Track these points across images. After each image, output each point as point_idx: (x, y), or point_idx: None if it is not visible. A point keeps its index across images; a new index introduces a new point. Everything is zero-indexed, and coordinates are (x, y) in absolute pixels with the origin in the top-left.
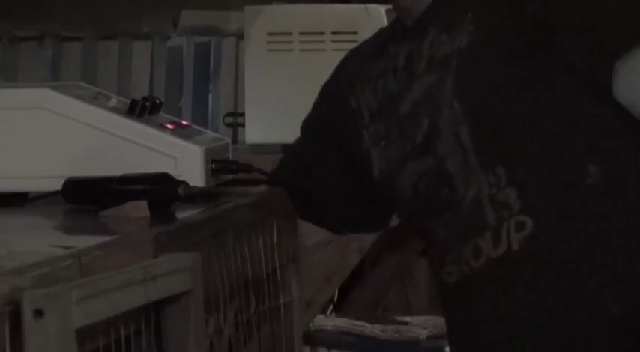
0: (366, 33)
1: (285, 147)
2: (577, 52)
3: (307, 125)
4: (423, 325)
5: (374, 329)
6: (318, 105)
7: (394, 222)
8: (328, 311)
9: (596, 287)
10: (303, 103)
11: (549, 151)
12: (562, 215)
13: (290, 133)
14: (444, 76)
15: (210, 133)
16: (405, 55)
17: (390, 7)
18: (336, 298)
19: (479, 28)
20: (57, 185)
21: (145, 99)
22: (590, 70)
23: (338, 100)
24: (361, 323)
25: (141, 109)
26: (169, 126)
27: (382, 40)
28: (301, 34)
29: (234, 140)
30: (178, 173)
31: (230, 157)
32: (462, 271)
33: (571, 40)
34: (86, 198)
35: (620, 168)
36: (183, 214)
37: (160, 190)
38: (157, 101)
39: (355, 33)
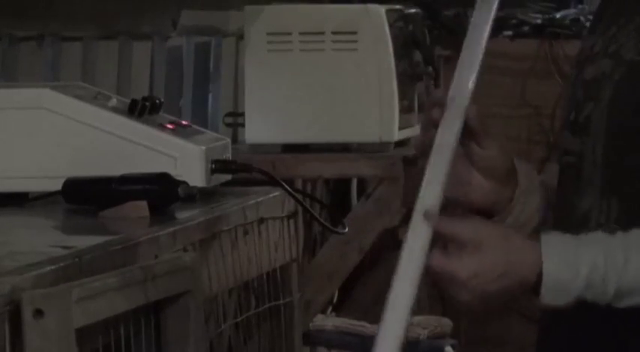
0: (366, 33)
1: (285, 147)
2: None
3: None
4: (423, 325)
5: (374, 329)
6: None
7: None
8: (328, 311)
9: None
10: (303, 103)
11: None
12: None
13: (290, 133)
14: (613, 75)
15: (210, 133)
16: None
17: (390, 7)
18: (336, 298)
19: None
20: (57, 185)
21: (144, 99)
22: None
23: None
24: (361, 323)
25: (141, 109)
26: (169, 126)
27: None
28: (301, 34)
29: (234, 140)
30: (178, 173)
31: (230, 157)
32: None
33: None
34: (86, 198)
35: None
36: (183, 214)
37: (159, 190)
38: (157, 101)
39: (355, 33)
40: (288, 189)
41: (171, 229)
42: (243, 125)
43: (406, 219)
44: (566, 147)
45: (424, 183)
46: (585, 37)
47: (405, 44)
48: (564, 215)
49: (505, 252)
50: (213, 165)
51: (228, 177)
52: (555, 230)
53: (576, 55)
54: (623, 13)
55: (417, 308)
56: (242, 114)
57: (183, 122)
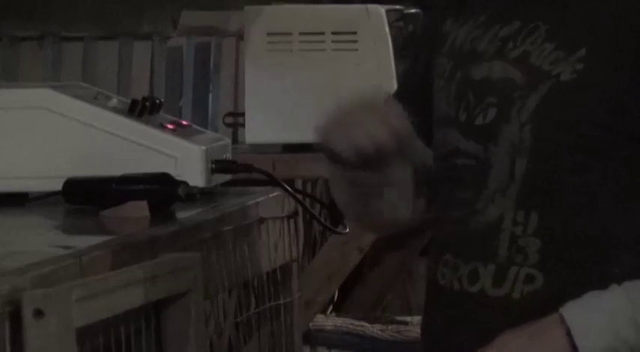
0: (366, 33)
1: (285, 147)
2: None
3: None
4: None
5: (374, 329)
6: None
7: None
8: (328, 311)
9: None
10: (303, 103)
11: (586, 229)
12: (578, 289)
13: (290, 133)
14: (530, 88)
15: (210, 133)
16: (507, 23)
17: (390, 7)
18: (336, 298)
19: (587, 72)
20: (57, 185)
21: (144, 99)
22: None
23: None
24: (361, 323)
25: (141, 109)
26: (169, 126)
27: None
28: (301, 34)
29: (234, 140)
30: (178, 173)
31: (230, 157)
32: (452, 284)
33: None
34: (86, 198)
35: None
36: (183, 214)
37: (160, 190)
38: (157, 101)
39: (355, 33)
40: (288, 189)
41: (172, 229)
42: (243, 125)
43: None
44: (458, 147)
45: None
46: (440, 20)
47: (405, 44)
48: (460, 217)
49: (522, 328)
50: (213, 165)
51: (228, 177)
52: (446, 232)
53: (425, 36)
54: (507, 11)
55: (417, 308)
56: (242, 114)
57: (184, 122)
